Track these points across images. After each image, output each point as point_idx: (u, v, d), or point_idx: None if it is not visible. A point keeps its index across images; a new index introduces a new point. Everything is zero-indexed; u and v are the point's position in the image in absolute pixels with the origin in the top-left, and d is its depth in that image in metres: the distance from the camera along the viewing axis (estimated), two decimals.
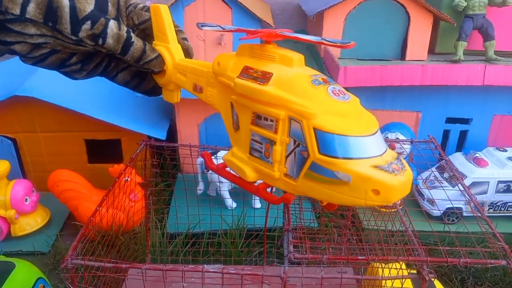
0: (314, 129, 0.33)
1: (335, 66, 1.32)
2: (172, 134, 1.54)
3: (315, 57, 1.56)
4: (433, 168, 1.37)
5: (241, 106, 0.38)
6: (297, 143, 0.34)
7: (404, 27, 1.40)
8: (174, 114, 1.49)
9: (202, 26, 0.43)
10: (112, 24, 0.39)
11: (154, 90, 0.48)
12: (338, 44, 0.35)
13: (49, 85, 1.42)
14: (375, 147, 0.33)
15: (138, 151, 0.91)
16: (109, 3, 0.41)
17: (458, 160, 1.33)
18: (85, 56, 0.42)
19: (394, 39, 1.43)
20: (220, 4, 1.39)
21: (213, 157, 1.28)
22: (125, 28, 0.41)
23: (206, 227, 1.18)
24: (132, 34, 0.41)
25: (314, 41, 0.35)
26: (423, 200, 1.33)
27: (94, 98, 1.49)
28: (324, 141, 0.33)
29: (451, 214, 1.29)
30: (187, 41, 0.46)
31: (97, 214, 0.78)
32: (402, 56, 1.44)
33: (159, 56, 0.43)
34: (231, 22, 1.42)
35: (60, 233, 1.35)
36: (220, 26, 0.42)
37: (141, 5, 0.44)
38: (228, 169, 0.42)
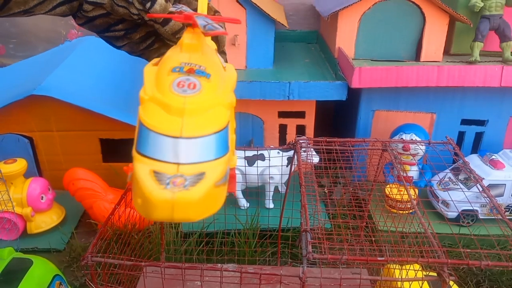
0: (138, 115, 0.31)
1: (349, 67, 1.32)
2: None
3: (329, 59, 1.56)
4: (448, 170, 1.36)
5: None
6: None
7: (419, 27, 1.39)
8: None
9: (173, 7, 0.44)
10: None
11: None
12: (202, 30, 0.33)
13: (66, 84, 1.44)
14: (174, 152, 0.28)
15: None
16: None
17: (474, 162, 1.32)
18: (130, 26, 0.45)
19: (409, 39, 1.42)
20: (234, 5, 1.40)
21: None
22: (171, 4, 0.43)
23: (220, 226, 1.18)
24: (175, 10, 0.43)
25: (198, 25, 0.34)
26: (438, 202, 1.32)
27: (110, 97, 1.50)
28: (139, 129, 0.30)
29: (467, 217, 1.28)
30: (221, 26, 0.47)
31: (116, 212, 0.79)
32: (416, 57, 1.43)
33: None
34: (245, 23, 1.42)
35: (75, 231, 1.37)
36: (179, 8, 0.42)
37: None
38: None
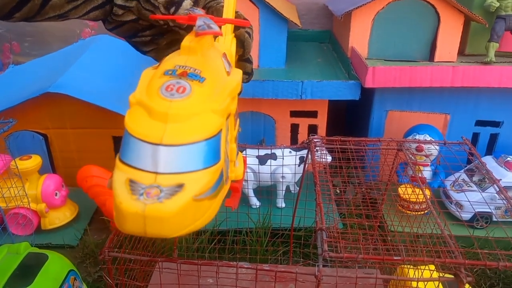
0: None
1: (363, 67, 1.31)
2: None
3: (342, 58, 1.55)
4: (462, 171, 1.35)
5: None
6: None
7: (434, 27, 1.38)
8: None
9: (191, 10, 0.43)
10: (188, 1, 0.42)
11: None
12: (199, 31, 0.32)
13: (80, 82, 1.46)
14: (154, 160, 0.26)
15: None
16: None
17: (488, 164, 1.30)
18: (158, 32, 0.46)
19: (423, 40, 1.41)
20: (248, 4, 1.40)
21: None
22: (199, 9, 0.43)
23: (232, 224, 1.18)
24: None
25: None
26: (451, 203, 1.31)
27: (123, 96, 1.51)
28: (124, 134, 0.28)
29: (481, 219, 1.27)
30: (248, 33, 0.46)
31: None
32: (430, 57, 1.42)
33: None
34: (258, 22, 1.43)
35: (88, 228, 1.38)
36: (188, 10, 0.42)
37: (222, 3, 0.46)
38: None
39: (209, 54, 0.35)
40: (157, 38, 0.45)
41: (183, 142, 0.26)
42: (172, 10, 0.41)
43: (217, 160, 0.28)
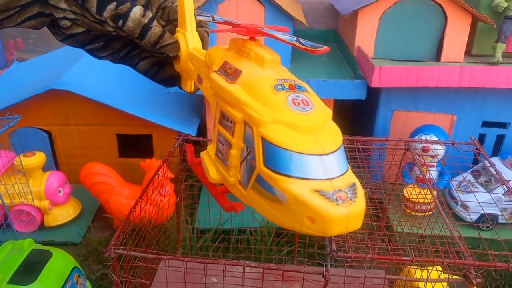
0: (262, 138, 0.30)
1: (369, 66, 1.31)
2: (202, 131, 1.55)
3: (347, 57, 1.55)
4: (468, 172, 1.34)
5: (217, 102, 0.36)
6: (249, 150, 0.32)
7: (441, 27, 1.37)
8: (204, 112, 1.49)
9: (197, 15, 0.43)
10: (137, 9, 0.41)
11: (171, 80, 0.48)
12: (309, 48, 0.32)
13: (85, 79, 1.45)
14: (324, 169, 0.29)
15: (176, 145, 0.91)
16: None
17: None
18: (110, 38, 0.45)
19: (429, 39, 1.40)
20: (254, 2, 1.40)
21: None
22: (150, 15, 0.42)
23: (236, 223, 1.18)
24: (154, 21, 0.42)
25: (288, 42, 0.33)
26: (456, 204, 1.30)
27: (127, 93, 1.51)
28: (269, 152, 0.30)
29: (486, 220, 1.26)
30: (207, 33, 0.45)
31: (137, 207, 0.79)
32: (437, 57, 1.41)
33: (176, 42, 0.43)
34: (264, 20, 1.42)
35: (91, 225, 1.38)
36: (211, 17, 0.41)
37: (177, 3, 0.45)
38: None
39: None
40: (111, 42, 0.45)
41: (335, 148, 0.30)
42: (120, 23, 0.40)
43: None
